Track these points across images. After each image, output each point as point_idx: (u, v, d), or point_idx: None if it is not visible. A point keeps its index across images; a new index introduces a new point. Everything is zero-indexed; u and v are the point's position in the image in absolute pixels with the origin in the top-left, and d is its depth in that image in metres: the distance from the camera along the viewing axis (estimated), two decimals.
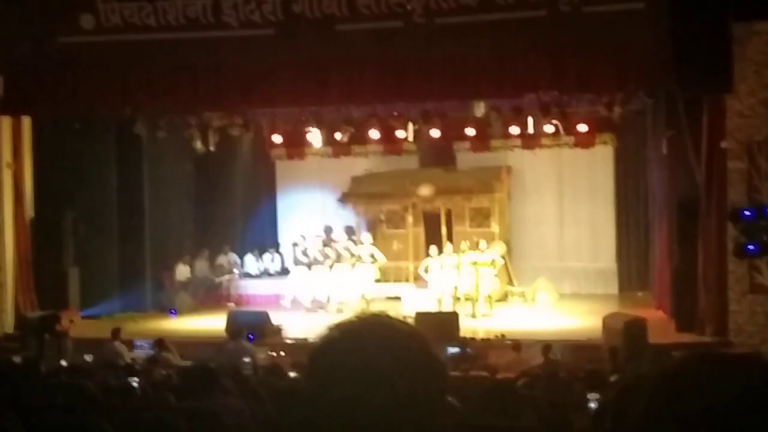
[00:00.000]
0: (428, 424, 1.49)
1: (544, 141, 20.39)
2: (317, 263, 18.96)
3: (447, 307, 17.56)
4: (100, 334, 15.56)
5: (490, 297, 17.97)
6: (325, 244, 19.42)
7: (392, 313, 1.68)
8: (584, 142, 20.44)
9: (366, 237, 19.37)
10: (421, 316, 15.35)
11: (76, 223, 18.55)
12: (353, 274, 18.70)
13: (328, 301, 18.72)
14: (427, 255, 18.79)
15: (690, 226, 15.27)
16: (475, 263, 17.87)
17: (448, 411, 1.57)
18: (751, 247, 13.91)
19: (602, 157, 21.06)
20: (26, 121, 17.53)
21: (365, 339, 1.52)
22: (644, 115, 18.50)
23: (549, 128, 18.56)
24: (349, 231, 20.56)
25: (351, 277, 18.74)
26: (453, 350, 12.58)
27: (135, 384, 8.47)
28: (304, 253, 19.16)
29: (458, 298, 17.98)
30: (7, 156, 17.20)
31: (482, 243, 18.24)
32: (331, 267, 18.91)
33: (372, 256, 18.76)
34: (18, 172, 17.42)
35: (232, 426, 6.87)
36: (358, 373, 1.46)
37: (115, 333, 14.21)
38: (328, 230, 20.35)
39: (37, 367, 9.54)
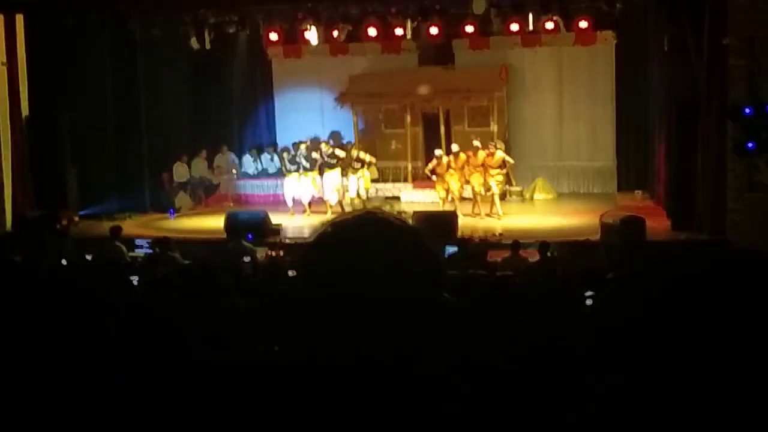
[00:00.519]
0: (423, 317, 1.49)
1: (544, 38, 20.14)
2: (306, 170, 18.79)
3: (448, 207, 17.60)
4: (100, 234, 15.64)
5: (498, 197, 17.90)
6: (311, 151, 19.14)
7: (390, 210, 1.66)
8: (585, 39, 20.18)
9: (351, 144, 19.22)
10: (419, 215, 15.39)
11: (72, 123, 18.43)
12: (349, 177, 18.62)
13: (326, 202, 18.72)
14: (431, 155, 18.73)
15: (690, 124, 15.19)
16: (483, 163, 17.78)
17: (443, 306, 1.56)
18: (750, 144, 13.88)
19: (602, 55, 20.82)
20: (19, 19, 17.26)
21: (359, 234, 1.50)
22: (646, 12, 18.21)
23: (549, 25, 18.29)
24: (336, 137, 20.39)
25: (345, 181, 18.72)
26: (451, 249, 12.63)
27: (135, 282, 8.53)
28: (292, 161, 18.98)
29: (463, 198, 18.01)
30: (1, 55, 16.99)
31: (496, 143, 18.02)
32: (320, 173, 18.79)
33: (359, 159, 18.66)
34: (12, 71, 17.25)
35: (232, 324, 6.95)
36: (351, 267, 1.46)
37: (115, 232, 14.23)
38: (315, 140, 20.10)
39: (37, 266, 9.59)
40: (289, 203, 18.76)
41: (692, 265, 1.85)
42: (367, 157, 18.84)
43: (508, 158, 17.91)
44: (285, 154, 19.18)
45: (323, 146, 19.10)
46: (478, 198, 17.97)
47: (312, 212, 18.50)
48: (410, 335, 1.47)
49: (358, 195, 18.65)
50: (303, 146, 19.11)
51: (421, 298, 1.49)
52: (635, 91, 20.30)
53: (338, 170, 18.65)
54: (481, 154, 17.89)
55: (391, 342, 1.46)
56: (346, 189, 18.76)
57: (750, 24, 13.97)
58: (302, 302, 1.50)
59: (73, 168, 18.54)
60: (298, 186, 18.74)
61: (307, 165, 18.73)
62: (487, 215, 17.71)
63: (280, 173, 19.77)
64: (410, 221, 1.59)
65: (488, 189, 17.74)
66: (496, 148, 17.90)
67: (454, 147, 18.31)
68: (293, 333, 1.52)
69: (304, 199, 18.64)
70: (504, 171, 18.09)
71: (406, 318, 1.46)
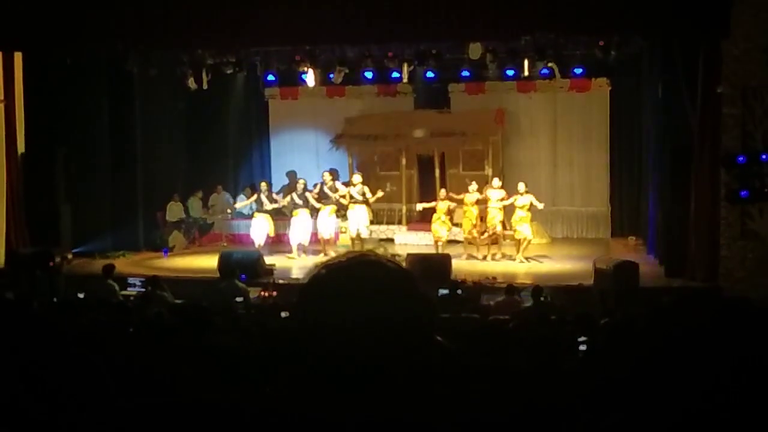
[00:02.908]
0: (415, 359, 1.49)
1: (540, 84, 20.27)
2: (299, 207, 18.74)
3: (444, 249, 17.62)
4: (93, 272, 15.59)
5: (524, 241, 17.86)
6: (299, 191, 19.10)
7: (383, 253, 1.67)
8: (579, 85, 20.34)
9: (357, 177, 19.10)
10: (412, 257, 15.38)
11: (68, 160, 18.47)
12: (352, 214, 18.56)
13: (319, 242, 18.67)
14: (425, 198, 18.84)
15: (683, 171, 15.25)
16: (502, 204, 17.87)
17: (436, 348, 1.57)
18: (743, 192, 13.93)
19: (597, 100, 20.99)
20: (18, 57, 17.36)
21: (353, 276, 1.51)
22: (640, 59, 18.37)
23: (544, 71, 18.43)
24: (334, 173, 20.39)
25: (336, 220, 18.73)
26: (444, 292, 12.61)
27: (127, 321, 8.49)
28: (270, 198, 18.94)
29: (474, 237, 18.04)
30: None
31: (521, 185, 18.00)
32: (311, 211, 18.77)
33: (363, 195, 18.58)
34: (9, 108, 17.30)
35: (223, 364, 6.91)
36: (345, 310, 1.46)
37: (108, 270, 14.18)
38: (333, 170, 20.06)
39: (29, 304, 9.55)
40: (294, 244, 18.61)
41: (684, 314, 1.86)
42: (369, 194, 18.67)
43: (536, 202, 17.83)
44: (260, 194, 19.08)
45: (327, 178, 18.96)
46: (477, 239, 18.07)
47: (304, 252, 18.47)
48: (402, 377, 1.48)
49: (358, 234, 18.55)
50: (301, 183, 19.08)
51: (413, 340, 1.49)
52: (629, 136, 20.43)
53: (333, 207, 18.65)
54: (495, 191, 17.94)
55: (383, 384, 1.46)
56: (346, 229, 18.78)
57: (743, 72, 14.09)
58: (294, 343, 1.51)
59: (68, 205, 18.53)
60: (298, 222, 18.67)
61: (300, 202, 18.69)
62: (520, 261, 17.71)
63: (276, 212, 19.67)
64: (404, 264, 1.60)
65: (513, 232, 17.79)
66: (526, 192, 17.80)
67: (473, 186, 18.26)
68: (285, 374, 1.52)
69: (304, 237, 18.59)
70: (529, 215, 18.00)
71: (398, 360, 1.47)
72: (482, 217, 18.13)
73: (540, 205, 17.77)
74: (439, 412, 1.54)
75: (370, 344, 1.45)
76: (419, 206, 19.00)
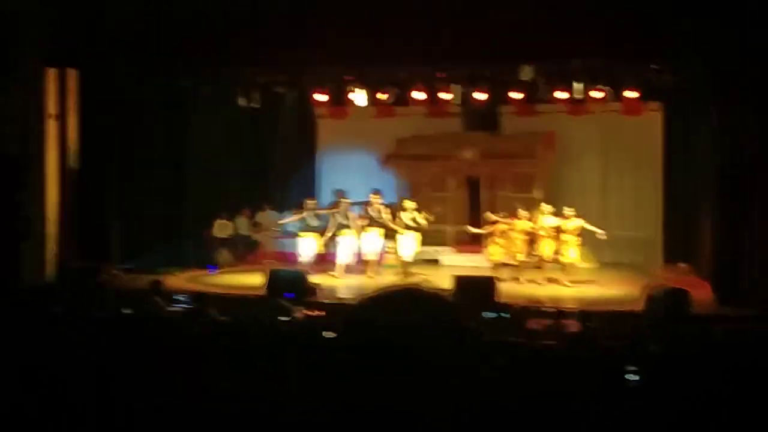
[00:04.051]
0: (459, 392, 1.43)
1: (591, 107, 20.09)
2: (344, 227, 18.74)
3: (499, 273, 17.53)
4: (140, 287, 15.69)
5: (571, 265, 17.75)
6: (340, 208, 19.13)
7: (432, 276, 1.62)
8: (631, 109, 20.10)
9: (410, 204, 19.01)
10: (458, 280, 15.27)
11: (119, 177, 18.68)
12: (402, 239, 18.51)
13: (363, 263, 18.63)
14: (474, 220, 18.71)
15: (738, 196, 15.00)
16: (556, 227, 17.72)
17: (480, 379, 1.51)
18: None
19: (649, 124, 20.74)
20: (72, 72, 17.62)
21: (397, 308, 1.46)
22: (694, 82, 18.14)
23: (596, 94, 18.27)
24: (378, 194, 20.33)
25: (387, 241, 18.68)
26: (489, 315, 12.47)
27: (172, 338, 8.49)
28: (316, 216, 18.98)
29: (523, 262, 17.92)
30: (51, 108, 17.32)
31: (567, 210, 17.92)
32: (357, 233, 18.76)
33: (414, 220, 18.51)
34: (64, 124, 17.56)
35: (265, 385, 6.86)
36: (388, 342, 1.41)
37: (155, 286, 14.25)
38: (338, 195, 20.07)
39: (77, 319, 9.62)
40: (342, 263, 18.61)
41: (736, 346, 1.78)
42: (421, 220, 18.61)
43: (588, 226, 17.71)
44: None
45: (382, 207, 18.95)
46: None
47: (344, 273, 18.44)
48: (447, 411, 1.41)
49: (404, 257, 18.48)
50: (344, 203, 19.08)
51: (455, 368, 1.43)
52: (682, 161, 20.13)
53: (381, 229, 18.61)
54: (553, 219, 17.82)
55: (428, 414, 1.40)
56: (393, 250, 18.73)
57: None
58: (341, 372, 1.45)
59: (118, 221, 18.71)
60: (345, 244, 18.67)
61: (345, 222, 18.71)
62: (566, 284, 17.54)
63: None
64: (449, 285, 1.54)
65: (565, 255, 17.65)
66: (574, 216, 17.72)
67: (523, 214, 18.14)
68: (328, 403, 1.46)
69: (349, 257, 18.58)
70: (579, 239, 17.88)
71: (442, 393, 1.41)
72: (532, 242, 18.00)
73: (601, 233, 17.63)
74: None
75: (414, 377, 1.39)
76: (471, 229, 18.90)
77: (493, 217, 18.30)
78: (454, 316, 1.48)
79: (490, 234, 18.27)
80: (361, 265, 18.72)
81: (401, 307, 1.47)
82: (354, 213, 18.87)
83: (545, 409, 3.78)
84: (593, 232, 17.97)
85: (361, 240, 18.63)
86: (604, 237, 17.78)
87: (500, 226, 18.11)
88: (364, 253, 18.61)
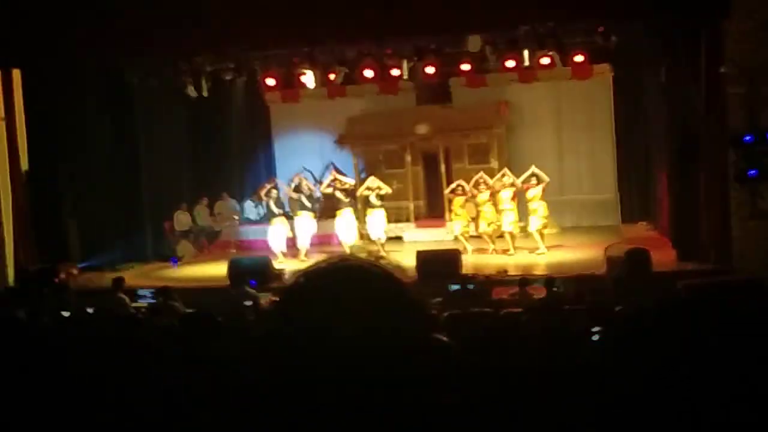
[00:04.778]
0: (409, 363, 1.41)
1: (541, 74, 20.13)
2: (306, 208, 18.74)
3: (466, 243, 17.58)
4: (102, 285, 15.55)
5: (538, 232, 17.84)
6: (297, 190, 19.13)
7: (397, 253, 1.60)
8: (581, 73, 20.17)
9: (374, 180, 19.00)
10: (422, 254, 15.30)
11: (72, 175, 18.44)
12: (371, 219, 18.49)
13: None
14: (432, 194, 18.72)
15: (690, 153, 15.15)
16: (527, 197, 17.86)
17: (435, 349, 1.48)
18: (752, 172, 13.82)
19: (600, 88, 20.85)
20: (16, 74, 17.33)
21: (334, 282, 1.43)
22: (642, 43, 18.24)
23: (545, 60, 18.31)
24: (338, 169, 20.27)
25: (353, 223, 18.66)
26: (455, 287, 12.53)
27: (137, 333, 8.42)
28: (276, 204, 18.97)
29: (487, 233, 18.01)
30: None
31: (540, 176, 17.94)
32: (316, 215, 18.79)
33: (379, 196, 18.49)
34: (11, 126, 17.28)
35: (234, 371, 6.84)
36: (327, 319, 1.38)
37: (118, 283, 14.14)
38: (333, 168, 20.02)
39: (36, 321, 9.51)
40: (302, 246, 18.57)
41: (698, 302, 1.79)
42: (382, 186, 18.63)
43: (541, 175, 17.89)
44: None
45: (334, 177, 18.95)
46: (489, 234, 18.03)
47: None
48: (395, 381, 1.39)
49: (375, 236, 18.47)
50: (303, 182, 19.07)
51: (404, 343, 1.41)
52: (634, 122, 20.27)
53: (351, 209, 18.60)
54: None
55: (374, 390, 1.37)
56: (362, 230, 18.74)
57: (747, 51, 13.97)
58: (273, 356, 1.42)
59: (74, 220, 18.50)
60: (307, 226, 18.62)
61: (309, 204, 18.70)
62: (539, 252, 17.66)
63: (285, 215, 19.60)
64: (394, 265, 1.51)
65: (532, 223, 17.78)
66: (536, 183, 17.83)
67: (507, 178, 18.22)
68: (270, 388, 1.43)
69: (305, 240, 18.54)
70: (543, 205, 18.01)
71: (389, 363, 1.38)
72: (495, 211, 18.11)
73: (546, 178, 17.75)
74: (441, 417, 1.45)
75: (356, 354, 1.36)
76: (448, 190, 18.93)
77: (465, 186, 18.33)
78: (397, 285, 1.46)
79: (452, 205, 18.35)
80: (324, 246, 18.69)
81: (338, 278, 1.44)
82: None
83: (512, 376, 3.79)
84: (553, 198, 18.10)
85: (337, 221, 18.63)
86: (547, 179, 17.87)
87: (460, 198, 18.18)
88: (337, 234, 18.61)
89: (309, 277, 1.46)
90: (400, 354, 1.40)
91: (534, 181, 17.81)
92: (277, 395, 1.42)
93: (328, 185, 18.99)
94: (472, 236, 18.37)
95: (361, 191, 18.83)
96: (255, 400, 1.47)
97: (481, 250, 18.04)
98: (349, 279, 1.44)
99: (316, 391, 1.37)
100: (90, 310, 12.05)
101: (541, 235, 17.71)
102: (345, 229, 18.51)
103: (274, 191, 19.18)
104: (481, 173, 18.50)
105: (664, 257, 15.27)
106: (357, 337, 1.37)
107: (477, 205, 18.16)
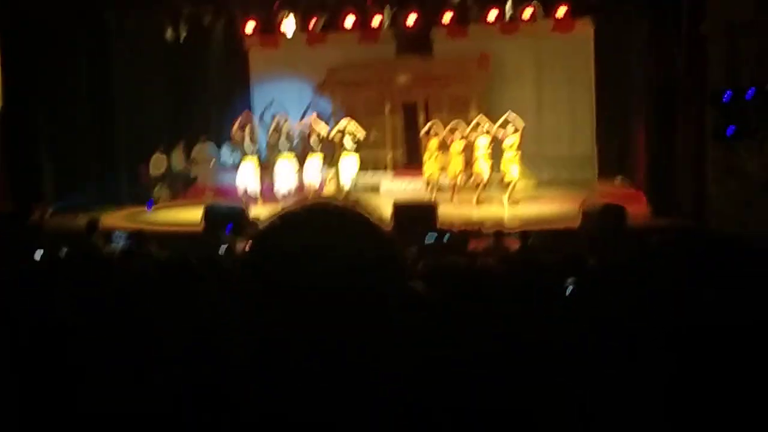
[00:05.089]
0: (380, 308, 1.39)
1: (523, 26, 20.04)
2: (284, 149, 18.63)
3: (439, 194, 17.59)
4: (76, 228, 15.45)
5: (512, 183, 17.87)
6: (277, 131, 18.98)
7: (373, 202, 1.57)
8: (563, 26, 20.10)
9: (348, 123, 18.89)
10: (398, 206, 15.29)
11: (47, 116, 18.22)
12: (344, 163, 18.40)
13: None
14: (410, 144, 18.64)
15: (669, 110, 15.18)
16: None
17: (408, 295, 1.47)
18: (730, 129, 13.85)
19: (581, 42, 20.77)
20: None
21: (309, 224, 1.41)
22: None
23: (527, 12, 18.21)
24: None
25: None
26: (430, 239, 12.54)
27: (111, 276, 8.38)
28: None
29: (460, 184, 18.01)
30: None
31: (515, 121, 17.89)
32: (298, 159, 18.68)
33: (353, 134, 18.40)
34: None
35: (210, 317, 6.84)
36: (301, 261, 1.36)
37: (91, 226, 14.04)
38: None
39: (8, 263, 9.43)
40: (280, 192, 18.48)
41: (671, 255, 1.78)
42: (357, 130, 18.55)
43: (518, 121, 17.88)
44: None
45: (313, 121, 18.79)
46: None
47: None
48: (367, 329, 1.38)
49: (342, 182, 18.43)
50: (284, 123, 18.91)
51: (378, 287, 1.39)
52: (614, 77, 20.26)
53: (321, 155, 18.52)
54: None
55: (345, 338, 1.36)
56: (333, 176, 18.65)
57: (728, 8, 13.93)
58: (246, 298, 1.41)
59: (49, 162, 18.32)
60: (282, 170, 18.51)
61: (288, 145, 18.60)
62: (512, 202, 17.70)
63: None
64: (371, 211, 1.49)
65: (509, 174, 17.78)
66: (514, 131, 17.77)
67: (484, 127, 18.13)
68: (243, 330, 1.41)
69: (289, 185, 18.47)
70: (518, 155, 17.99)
71: (359, 310, 1.37)
72: (468, 163, 18.08)
73: (521, 123, 17.71)
74: (414, 364, 1.45)
75: (328, 295, 1.35)
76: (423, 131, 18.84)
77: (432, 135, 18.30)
78: (372, 228, 1.44)
79: (428, 154, 18.33)
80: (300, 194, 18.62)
81: (315, 219, 1.42)
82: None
83: (484, 328, 3.80)
84: (531, 150, 18.11)
85: (305, 167, 18.52)
86: (522, 124, 17.87)
87: (435, 140, 18.16)
88: (307, 181, 18.50)
89: (284, 219, 1.44)
90: (379, 302, 1.38)
91: (511, 129, 17.77)
92: (251, 345, 1.40)
93: (307, 127, 18.82)
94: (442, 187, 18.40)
95: (335, 133, 18.71)
96: (231, 346, 1.46)
97: (458, 202, 18.05)
98: (326, 221, 1.42)
99: (291, 341, 1.35)
100: (63, 252, 11.99)
101: (512, 187, 17.73)
102: (284, 177, 18.38)
103: (248, 126, 18.96)
104: (459, 120, 18.48)
105: (639, 213, 15.36)
106: (332, 282, 1.35)
107: (449, 155, 18.14)
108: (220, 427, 1.78)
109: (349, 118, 18.98)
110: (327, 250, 1.36)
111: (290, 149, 18.69)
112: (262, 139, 19.62)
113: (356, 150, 18.45)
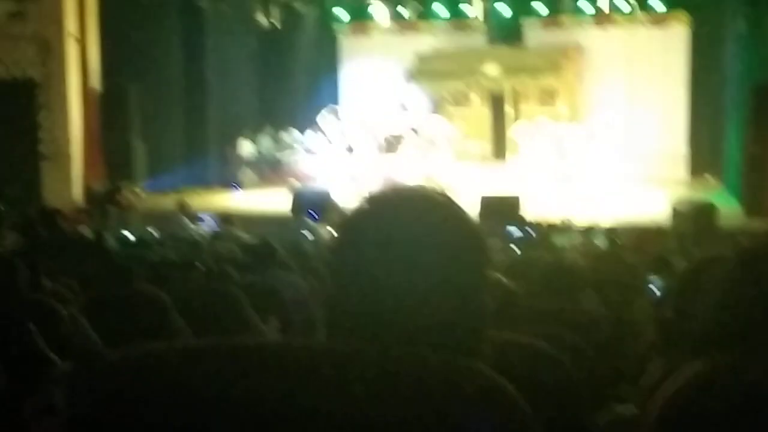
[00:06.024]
0: (468, 301, 1.38)
1: (617, 18, 19.69)
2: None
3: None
4: (165, 208, 15.75)
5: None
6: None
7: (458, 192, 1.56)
8: (658, 19, 19.69)
9: (439, 120, 18.86)
10: (484, 198, 15.20)
11: (141, 96, 18.60)
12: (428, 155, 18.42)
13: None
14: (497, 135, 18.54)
15: (765, 109, 14.75)
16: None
17: (493, 288, 1.45)
18: None
19: (676, 36, 20.33)
20: None
21: (396, 210, 1.40)
22: None
23: (623, 4, 17.89)
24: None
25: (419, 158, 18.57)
26: (515, 232, 12.45)
27: (198, 257, 8.53)
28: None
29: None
30: (72, 28, 17.20)
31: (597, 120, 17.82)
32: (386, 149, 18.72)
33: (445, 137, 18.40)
34: (84, 45, 17.45)
35: (290, 300, 6.92)
36: (388, 244, 1.35)
37: (181, 206, 14.31)
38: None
39: (101, 239, 9.68)
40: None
41: (763, 258, 1.73)
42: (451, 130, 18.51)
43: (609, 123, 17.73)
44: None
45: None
46: None
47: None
48: (455, 319, 1.36)
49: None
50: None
51: (465, 278, 1.38)
52: (709, 73, 19.77)
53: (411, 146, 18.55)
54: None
55: (433, 328, 1.35)
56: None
57: None
58: (334, 283, 1.40)
59: (141, 141, 18.70)
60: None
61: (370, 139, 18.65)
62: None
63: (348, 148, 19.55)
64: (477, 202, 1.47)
65: None
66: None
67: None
68: (328, 321, 1.41)
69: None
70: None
71: (448, 301, 1.35)
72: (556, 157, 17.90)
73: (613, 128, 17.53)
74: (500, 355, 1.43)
75: (411, 282, 1.34)
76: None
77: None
78: (463, 216, 1.42)
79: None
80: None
81: (405, 205, 1.40)
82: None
83: (570, 325, 3.76)
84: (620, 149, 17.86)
85: (392, 159, 18.58)
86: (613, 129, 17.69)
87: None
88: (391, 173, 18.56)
89: (372, 203, 1.43)
90: (459, 290, 1.37)
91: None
92: (332, 327, 1.40)
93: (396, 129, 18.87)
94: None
95: (424, 128, 18.67)
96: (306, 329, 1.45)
97: (544, 196, 17.85)
98: (414, 207, 1.40)
99: (370, 322, 1.35)
100: (153, 231, 12.26)
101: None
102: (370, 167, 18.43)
103: (334, 119, 19.08)
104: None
105: (731, 213, 14.99)
106: (421, 269, 1.34)
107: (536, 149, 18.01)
108: None
109: (440, 115, 18.89)
110: (416, 236, 1.35)
111: (375, 140, 18.74)
112: (347, 127, 19.69)
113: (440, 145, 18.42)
